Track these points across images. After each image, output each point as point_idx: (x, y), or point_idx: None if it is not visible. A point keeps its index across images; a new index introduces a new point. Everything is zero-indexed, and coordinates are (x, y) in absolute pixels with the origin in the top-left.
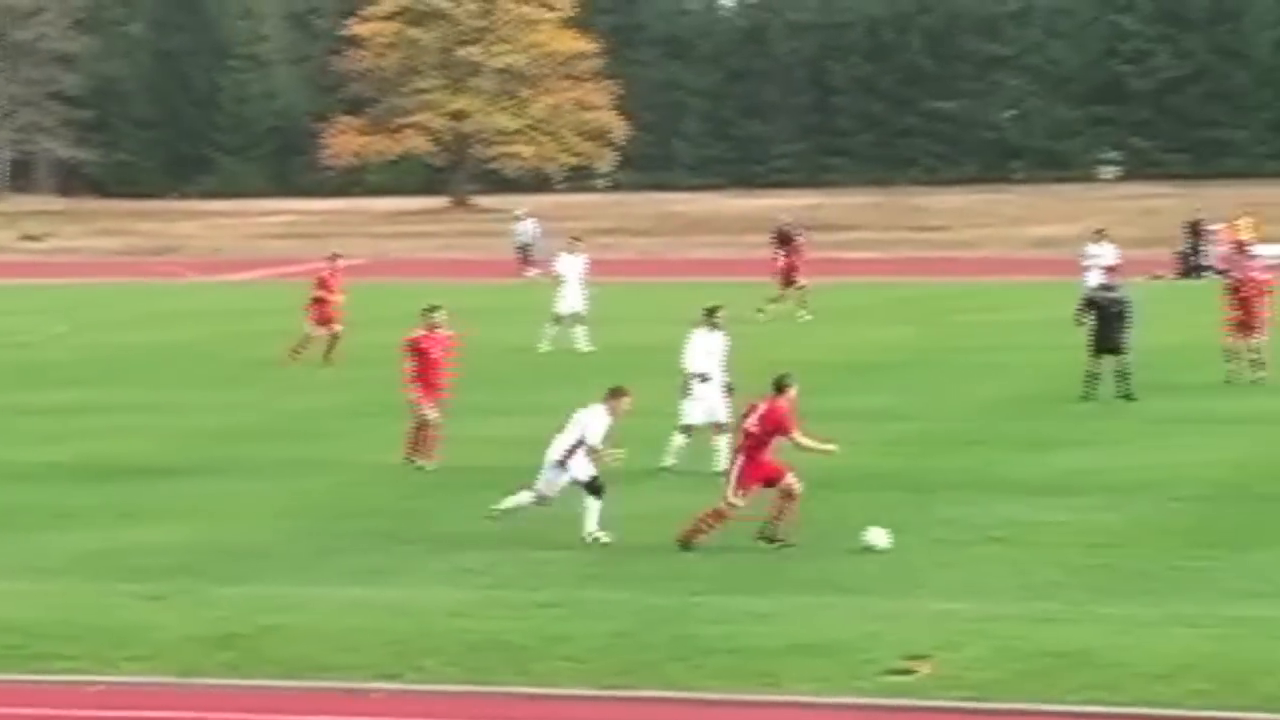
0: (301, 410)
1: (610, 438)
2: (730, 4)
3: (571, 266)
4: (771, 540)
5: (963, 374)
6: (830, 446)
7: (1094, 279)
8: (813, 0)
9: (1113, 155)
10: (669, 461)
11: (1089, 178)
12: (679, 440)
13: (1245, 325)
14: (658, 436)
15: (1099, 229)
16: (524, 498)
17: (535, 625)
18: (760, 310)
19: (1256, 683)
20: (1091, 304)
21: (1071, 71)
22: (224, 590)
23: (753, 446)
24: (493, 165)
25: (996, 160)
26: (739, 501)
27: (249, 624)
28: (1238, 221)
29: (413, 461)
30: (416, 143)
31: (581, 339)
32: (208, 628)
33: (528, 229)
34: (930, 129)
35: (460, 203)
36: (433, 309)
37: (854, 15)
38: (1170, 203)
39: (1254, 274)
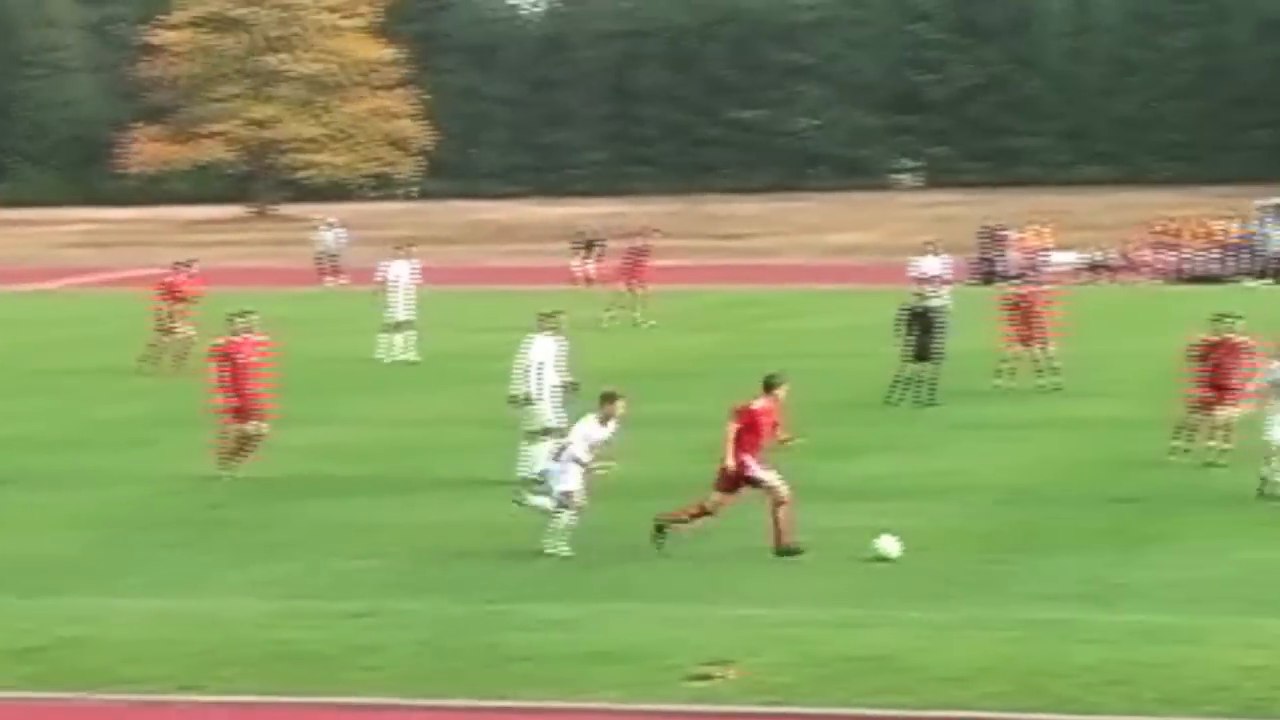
0: (107, 419)
1: (610, 445)
2: (534, 11)
3: (402, 273)
4: (661, 530)
5: (759, 380)
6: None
7: (941, 289)
8: (615, 9)
9: (910, 163)
10: (526, 473)
11: (887, 186)
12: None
13: (1026, 336)
14: (472, 444)
15: (928, 240)
16: (549, 505)
17: (340, 635)
18: (644, 319)
19: (1050, 685)
20: (911, 313)
21: (870, 80)
22: (24, 602)
23: (746, 443)
24: (296, 174)
25: (797, 168)
26: (776, 480)
27: (49, 636)
28: (1033, 229)
29: (224, 469)
30: (218, 151)
31: (402, 346)
32: (7, 640)
33: (329, 238)
34: (731, 137)
35: (263, 212)
36: (240, 315)
37: (656, 24)
38: (967, 210)
39: (1034, 286)
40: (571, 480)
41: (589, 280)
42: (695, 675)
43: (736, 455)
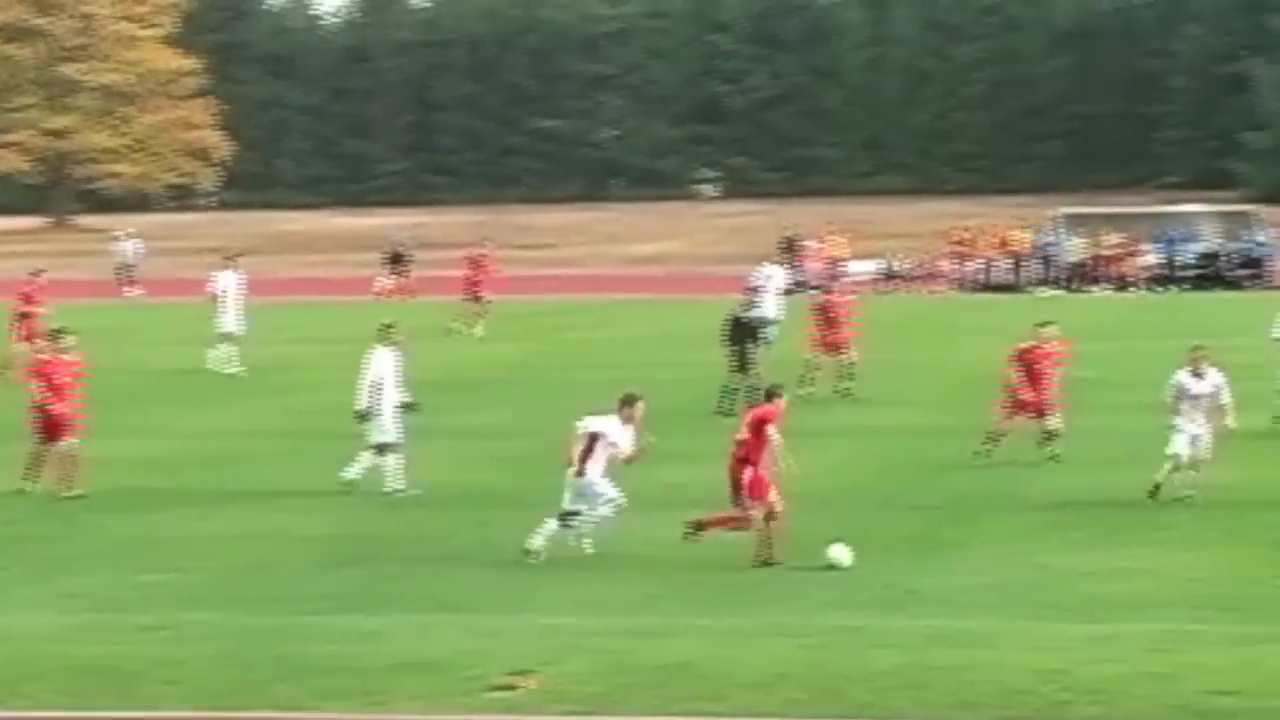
0: None
1: (631, 447)
2: (334, 21)
3: (229, 284)
4: (768, 563)
5: (570, 390)
6: (793, 465)
7: (769, 301)
8: (415, 19)
9: (710, 173)
10: (395, 485)
11: (688, 196)
12: (368, 459)
13: (832, 344)
14: (276, 455)
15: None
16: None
17: (139, 649)
18: (470, 329)
19: (849, 691)
20: (735, 321)
21: (670, 91)
22: None
23: (751, 455)
24: (94, 184)
25: (599, 178)
26: (757, 512)
27: None
28: (831, 238)
29: (30, 484)
30: (14, 161)
31: (228, 359)
32: None
33: (128, 249)
34: (534, 147)
35: (60, 222)
36: (59, 333)
37: (456, 34)
38: (766, 220)
39: (838, 295)
40: (608, 485)
41: (390, 293)
42: (498, 685)
43: (743, 461)
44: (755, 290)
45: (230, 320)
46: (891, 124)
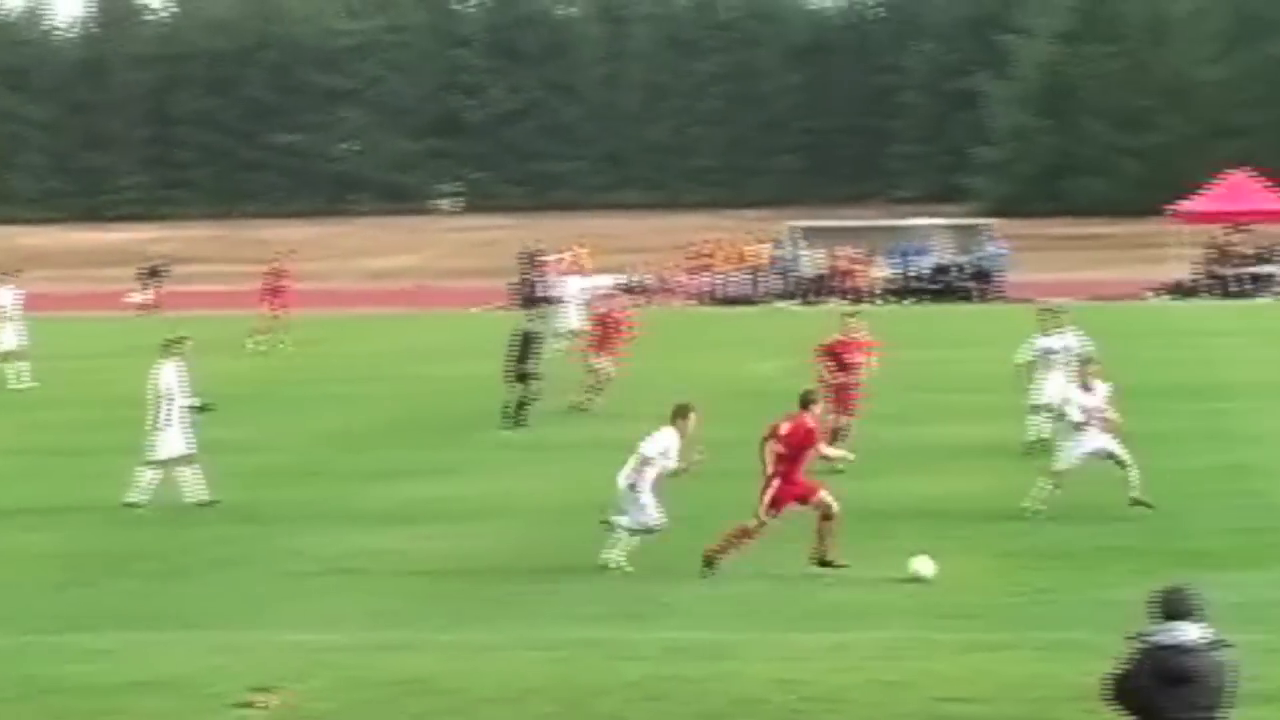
0: None
1: (684, 454)
2: (69, 33)
3: (6, 301)
4: (825, 563)
5: (304, 406)
6: (848, 455)
7: (572, 311)
8: (152, 32)
9: (451, 188)
10: (138, 498)
11: (428, 210)
12: (149, 476)
13: (610, 357)
14: (10, 473)
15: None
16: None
17: None
18: (253, 340)
19: (595, 703)
20: (525, 336)
21: (410, 105)
22: None
23: (785, 465)
24: None
25: (338, 193)
26: (768, 519)
27: None
28: (572, 252)
29: None
30: None
31: (15, 376)
32: None
33: None
34: (273, 162)
35: None
36: None
37: (194, 48)
38: (507, 234)
39: (619, 311)
40: (653, 502)
41: (148, 307)
42: (239, 703)
43: (771, 474)
44: (555, 302)
45: (8, 337)
46: (630, 138)
